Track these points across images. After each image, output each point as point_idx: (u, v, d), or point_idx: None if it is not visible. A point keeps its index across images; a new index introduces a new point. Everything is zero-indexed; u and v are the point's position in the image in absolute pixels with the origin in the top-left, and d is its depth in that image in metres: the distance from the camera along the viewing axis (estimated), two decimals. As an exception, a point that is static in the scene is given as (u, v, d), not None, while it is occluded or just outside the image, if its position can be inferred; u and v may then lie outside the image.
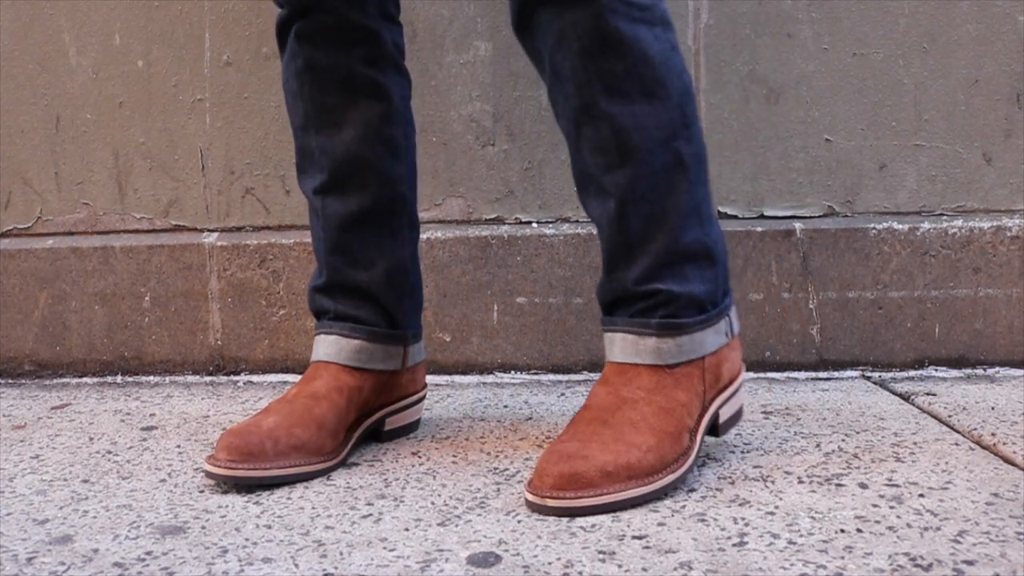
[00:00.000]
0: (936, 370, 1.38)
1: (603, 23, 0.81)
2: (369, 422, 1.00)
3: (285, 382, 1.41)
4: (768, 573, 0.64)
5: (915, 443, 0.97)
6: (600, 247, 0.89)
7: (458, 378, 1.41)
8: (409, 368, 1.04)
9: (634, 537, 0.71)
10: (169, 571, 0.67)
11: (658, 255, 0.84)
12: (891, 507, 0.77)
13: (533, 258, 1.41)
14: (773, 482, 0.85)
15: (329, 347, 0.98)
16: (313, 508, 0.80)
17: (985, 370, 1.38)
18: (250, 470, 0.85)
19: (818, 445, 0.97)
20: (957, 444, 0.97)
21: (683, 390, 0.85)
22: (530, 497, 0.78)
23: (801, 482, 0.85)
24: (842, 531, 0.72)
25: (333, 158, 0.99)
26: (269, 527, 0.75)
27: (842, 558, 0.66)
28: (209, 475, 0.85)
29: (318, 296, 1.02)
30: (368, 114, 0.99)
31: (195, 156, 1.49)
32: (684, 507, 0.78)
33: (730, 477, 0.87)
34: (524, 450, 0.98)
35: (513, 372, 1.42)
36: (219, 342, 1.47)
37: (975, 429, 1.02)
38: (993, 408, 1.12)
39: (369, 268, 1.00)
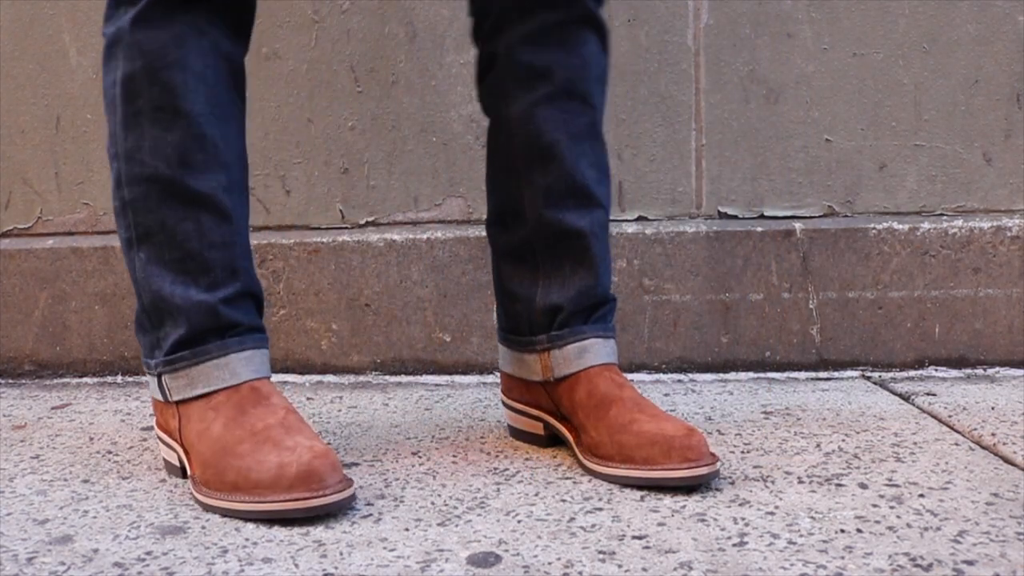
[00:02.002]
0: (936, 370, 1.38)
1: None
2: None
3: (285, 382, 1.41)
4: (768, 573, 0.64)
5: (915, 443, 0.97)
6: None
7: (458, 378, 1.41)
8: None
9: (634, 537, 0.71)
10: (169, 571, 0.67)
11: None
12: (891, 507, 0.77)
13: (533, 258, 1.41)
14: (773, 482, 0.85)
15: (258, 362, 0.89)
16: (313, 508, 0.80)
17: (985, 370, 1.38)
18: (349, 485, 0.78)
19: (818, 445, 0.97)
20: (957, 444, 0.97)
21: None
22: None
23: (801, 482, 0.85)
24: (842, 531, 0.72)
25: (232, 153, 0.90)
26: (269, 527, 0.75)
27: (842, 558, 0.66)
28: (312, 509, 0.75)
29: (226, 309, 0.87)
30: (242, 111, 0.93)
31: (195, 156, 1.48)
32: (684, 507, 0.78)
33: (730, 477, 0.87)
34: (524, 450, 0.98)
35: (513, 372, 1.42)
36: (219, 342, 1.46)
37: (975, 429, 1.02)
38: (993, 408, 1.12)
39: (253, 267, 0.93)
